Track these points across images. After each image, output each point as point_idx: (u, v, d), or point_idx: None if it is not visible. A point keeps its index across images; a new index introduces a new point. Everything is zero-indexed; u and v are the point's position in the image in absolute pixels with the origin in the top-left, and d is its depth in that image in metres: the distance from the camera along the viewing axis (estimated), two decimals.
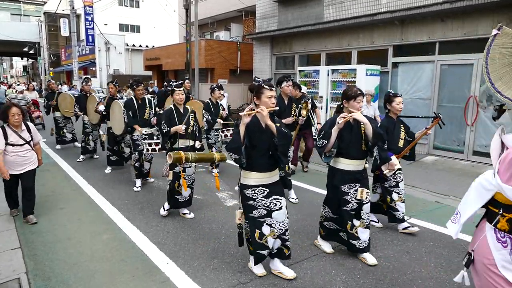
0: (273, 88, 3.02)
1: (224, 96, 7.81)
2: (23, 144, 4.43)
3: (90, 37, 24.93)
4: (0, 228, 4.37)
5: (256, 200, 3.09)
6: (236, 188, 3.15)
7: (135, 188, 5.99)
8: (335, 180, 3.60)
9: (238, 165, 3.11)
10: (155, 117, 6.04)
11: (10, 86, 17.79)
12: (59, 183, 6.36)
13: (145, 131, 6.12)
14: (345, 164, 3.55)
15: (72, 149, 9.36)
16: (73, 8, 21.59)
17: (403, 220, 4.28)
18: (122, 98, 7.67)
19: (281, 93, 5.43)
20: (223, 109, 7.12)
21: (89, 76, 14.21)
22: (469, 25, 7.79)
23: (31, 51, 38.61)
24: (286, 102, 5.53)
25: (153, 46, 24.63)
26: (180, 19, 19.12)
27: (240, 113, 2.87)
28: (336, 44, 10.71)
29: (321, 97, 9.69)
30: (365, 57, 9.93)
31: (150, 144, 5.61)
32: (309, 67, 10.82)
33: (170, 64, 18.63)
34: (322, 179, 6.65)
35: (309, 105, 5.67)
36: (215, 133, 6.92)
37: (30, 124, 4.62)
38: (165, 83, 8.91)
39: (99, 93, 11.61)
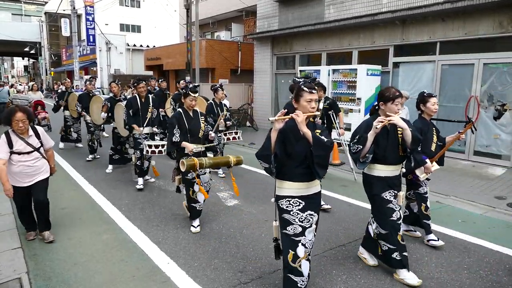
0: (314, 91, 2.64)
1: (226, 96, 7.80)
2: (32, 152, 3.83)
3: (91, 37, 24.95)
4: (1, 228, 4.37)
5: (291, 213, 2.74)
6: (272, 200, 2.87)
7: (137, 186, 5.97)
8: (374, 189, 3.32)
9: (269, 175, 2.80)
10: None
11: (11, 86, 17.74)
12: (60, 183, 6.37)
13: (147, 131, 6.05)
14: (382, 170, 3.29)
15: (74, 149, 9.38)
16: (74, 8, 21.60)
17: (431, 231, 4.01)
18: (125, 98, 7.64)
19: None
20: (227, 109, 7.01)
21: (93, 76, 14.22)
22: (470, 25, 7.77)
23: (32, 51, 38.68)
24: None
25: (154, 46, 24.64)
26: (180, 19, 19.12)
27: (270, 118, 2.50)
28: (336, 44, 10.71)
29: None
30: (366, 57, 9.92)
31: (150, 146, 5.55)
32: (310, 67, 10.81)
33: (171, 64, 18.63)
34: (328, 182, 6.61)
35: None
36: (218, 135, 6.63)
37: (39, 128, 4.02)
38: (183, 82, 8.63)
39: (98, 93, 11.59)
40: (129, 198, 5.59)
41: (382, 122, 3.08)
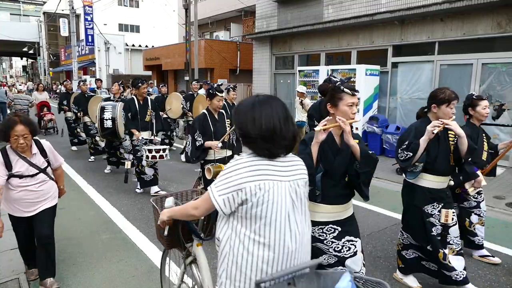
0: (356, 93, 2.22)
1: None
2: (36, 174, 2.99)
3: (89, 37, 24.90)
4: None
5: (325, 242, 2.32)
6: None
7: (137, 190, 5.82)
8: (416, 200, 2.99)
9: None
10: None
11: (12, 86, 17.54)
12: None
13: (146, 136, 5.66)
14: (429, 181, 2.95)
15: (75, 150, 9.35)
16: (72, 8, 21.58)
17: (482, 247, 3.72)
18: (122, 99, 7.62)
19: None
20: None
21: (97, 78, 14.22)
22: (469, 25, 7.79)
23: (31, 51, 38.64)
24: None
25: (153, 46, 24.62)
26: (179, 19, 19.12)
27: (316, 128, 2.06)
28: (335, 44, 10.71)
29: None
30: (364, 57, 9.93)
31: (150, 151, 5.18)
32: (309, 67, 10.81)
33: (169, 64, 18.63)
34: None
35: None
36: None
37: (46, 143, 3.15)
38: (195, 83, 8.56)
39: (105, 93, 11.57)
40: (128, 198, 5.58)
41: (438, 126, 2.72)
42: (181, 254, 2.40)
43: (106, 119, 6.12)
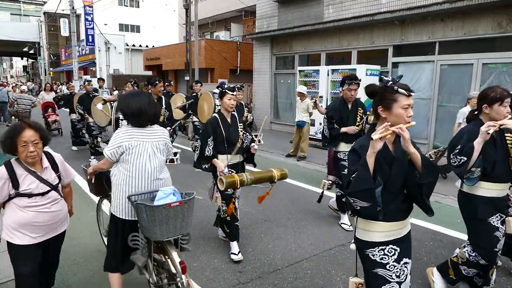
0: (412, 93, 1.96)
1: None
2: (47, 192, 2.49)
3: (90, 37, 24.91)
4: (1, 228, 4.36)
5: (388, 267, 2.04)
6: (352, 246, 2.17)
7: None
8: (479, 213, 2.72)
9: (364, 217, 2.05)
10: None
11: (15, 86, 17.38)
12: None
13: None
14: (488, 190, 2.70)
15: (75, 151, 9.36)
16: (73, 8, 21.58)
17: None
18: None
19: (343, 96, 4.44)
20: (248, 111, 6.64)
21: (100, 77, 14.19)
22: (469, 25, 7.79)
23: (31, 51, 38.70)
24: (349, 107, 4.44)
25: (153, 46, 24.63)
26: (180, 19, 19.12)
27: (373, 137, 1.82)
28: (336, 44, 10.71)
29: (321, 97, 9.69)
30: (365, 57, 9.93)
31: None
32: (309, 67, 10.81)
33: (170, 64, 18.63)
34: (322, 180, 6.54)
35: None
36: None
37: (57, 156, 2.69)
38: (195, 84, 8.48)
39: (106, 93, 11.58)
40: None
41: (493, 126, 2.48)
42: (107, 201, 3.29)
43: (122, 119, 5.92)
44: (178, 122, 7.35)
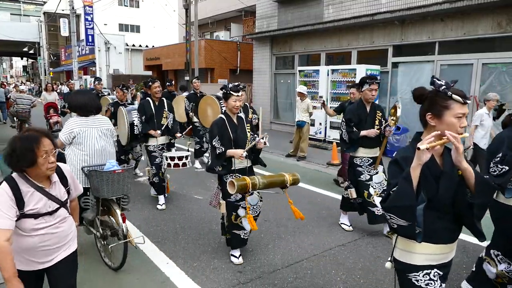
0: (468, 101, 1.72)
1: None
2: (56, 210, 2.12)
3: (90, 37, 24.90)
4: None
5: None
6: (388, 264, 1.96)
7: (158, 207, 5.11)
8: None
9: (404, 237, 1.79)
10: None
11: (15, 87, 17.25)
12: None
13: (162, 141, 5.18)
14: None
15: None
16: (72, 8, 21.57)
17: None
18: (132, 103, 7.19)
19: (361, 97, 4.30)
20: (253, 112, 6.24)
21: (96, 77, 13.92)
22: (469, 25, 7.79)
23: (31, 51, 38.67)
24: (368, 109, 4.27)
25: (153, 46, 24.62)
26: (180, 19, 19.12)
27: (420, 147, 1.59)
28: (336, 44, 10.71)
29: (321, 97, 9.69)
30: (365, 57, 9.93)
31: (172, 158, 4.70)
32: (309, 67, 10.82)
33: (170, 64, 18.63)
34: (323, 180, 6.52)
35: (399, 112, 4.05)
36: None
37: (65, 167, 2.31)
38: (196, 81, 7.88)
39: (107, 93, 11.43)
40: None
41: None
42: None
43: (136, 125, 5.32)
44: (190, 127, 6.73)
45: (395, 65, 9.34)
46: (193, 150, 7.23)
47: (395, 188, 1.67)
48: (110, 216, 3.46)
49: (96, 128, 3.48)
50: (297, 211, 3.32)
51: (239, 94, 3.50)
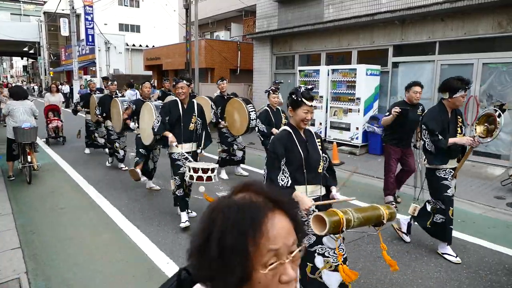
0: None
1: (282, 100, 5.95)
2: None
3: (90, 36, 24.90)
4: (1, 228, 4.37)
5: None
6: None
7: (181, 225, 4.37)
8: None
9: None
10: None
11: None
12: (59, 183, 6.36)
13: (187, 149, 4.44)
14: None
15: (76, 150, 9.35)
16: (73, 7, 21.57)
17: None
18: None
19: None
20: (285, 118, 5.36)
21: (107, 76, 13.53)
22: (469, 25, 7.78)
23: (31, 51, 38.64)
24: (449, 115, 3.75)
25: (153, 46, 24.61)
26: (180, 19, 19.10)
27: None
28: (336, 44, 10.71)
29: (321, 97, 9.69)
30: (365, 57, 9.92)
31: (196, 170, 3.91)
32: (309, 67, 10.81)
33: (170, 64, 18.62)
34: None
35: (502, 121, 3.67)
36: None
37: None
38: (221, 82, 6.89)
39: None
40: (129, 198, 5.58)
41: None
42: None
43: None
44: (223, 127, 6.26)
45: (395, 65, 9.34)
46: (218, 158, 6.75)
47: None
48: (28, 156, 6.30)
49: (23, 107, 6.32)
50: (391, 260, 2.44)
51: (313, 103, 2.58)
